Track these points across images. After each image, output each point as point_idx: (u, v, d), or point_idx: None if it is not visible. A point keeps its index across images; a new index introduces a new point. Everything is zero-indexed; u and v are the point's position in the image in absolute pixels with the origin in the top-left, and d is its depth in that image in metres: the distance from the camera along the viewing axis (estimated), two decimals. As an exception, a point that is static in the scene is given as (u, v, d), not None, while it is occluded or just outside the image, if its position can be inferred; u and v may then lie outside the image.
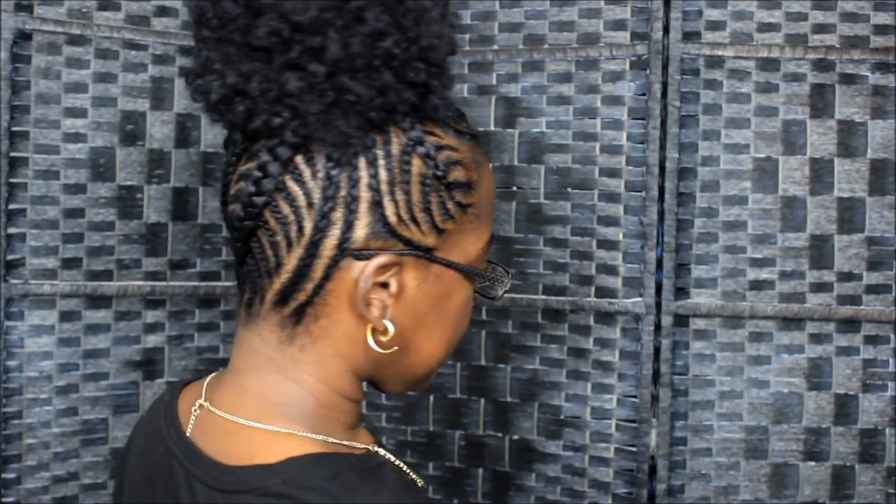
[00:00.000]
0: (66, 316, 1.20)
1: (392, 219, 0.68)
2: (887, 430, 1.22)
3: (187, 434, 0.72)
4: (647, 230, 1.23)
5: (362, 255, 0.68)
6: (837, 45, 1.21)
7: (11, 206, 1.17)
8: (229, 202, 0.70)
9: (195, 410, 0.73)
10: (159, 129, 1.23)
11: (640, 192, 1.23)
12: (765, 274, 1.23)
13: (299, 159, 0.67)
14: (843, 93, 1.22)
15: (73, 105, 1.19)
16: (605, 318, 1.25)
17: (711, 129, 1.23)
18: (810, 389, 1.23)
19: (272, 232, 0.68)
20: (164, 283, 1.24)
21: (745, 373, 1.23)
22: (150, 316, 1.23)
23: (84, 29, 1.19)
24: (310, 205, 0.67)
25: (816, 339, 1.23)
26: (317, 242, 0.68)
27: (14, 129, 1.16)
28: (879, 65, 1.21)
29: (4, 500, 1.17)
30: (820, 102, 1.22)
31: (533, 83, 1.26)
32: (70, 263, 1.20)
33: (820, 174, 1.22)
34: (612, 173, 1.25)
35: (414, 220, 0.69)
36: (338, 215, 0.67)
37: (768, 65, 1.22)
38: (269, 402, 0.70)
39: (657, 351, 1.24)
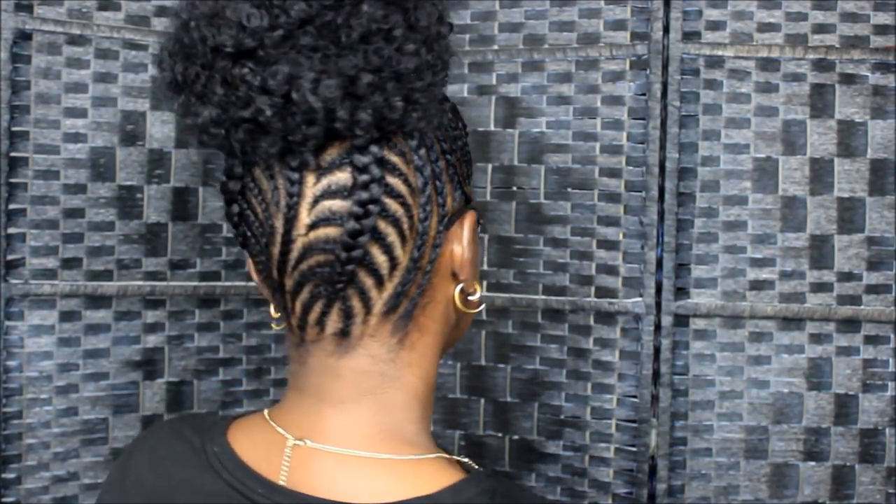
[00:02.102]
0: (66, 316, 1.20)
1: (461, 178, 0.68)
2: (887, 430, 1.22)
3: (282, 483, 0.65)
4: (647, 230, 1.23)
5: (453, 221, 0.67)
6: (837, 45, 1.21)
7: (11, 206, 1.17)
8: (311, 229, 0.64)
9: (287, 453, 0.66)
10: (159, 129, 1.23)
11: (640, 192, 1.23)
12: (765, 274, 1.23)
13: (387, 151, 0.65)
14: (843, 93, 1.22)
15: (73, 105, 1.19)
16: (605, 318, 1.25)
17: (711, 129, 1.23)
18: (810, 389, 1.23)
19: (384, 235, 0.65)
20: (164, 283, 1.24)
21: (745, 373, 1.23)
22: (150, 316, 1.24)
23: (84, 29, 1.19)
24: (412, 191, 0.65)
25: (816, 339, 1.23)
26: (426, 227, 0.66)
27: (14, 129, 1.17)
28: (879, 65, 1.21)
29: (4, 500, 1.17)
30: (820, 102, 1.22)
31: (533, 83, 1.26)
32: (70, 263, 1.20)
33: (820, 174, 1.22)
34: (612, 173, 1.25)
35: (468, 174, 0.70)
36: (432, 191, 0.66)
37: (768, 65, 1.22)
38: (389, 427, 0.66)
39: (657, 351, 1.24)
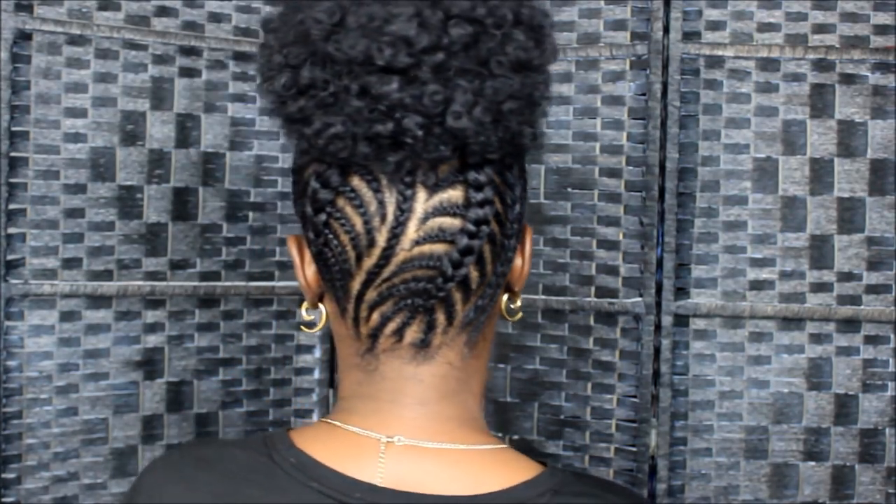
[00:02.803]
0: (66, 316, 1.20)
1: (525, 192, 0.71)
2: (887, 430, 1.22)
3: (379, 483, 0.65)
4: (647, 230, 1.23)
5: (519, 231, 0.69)
6: (837, 45, 1.21)
7: (11, 206, 1.17)
8: (416, 245, 0.64)
9: (381, 452, 0.66)
10: (159, 129, 1.23)
11: (640, 192, 1.23)
12: (765, 274, 1.23)
13: (494, 170, 0.66)
14: (843, 93, 1.22)
15: (73, 105, 1.19)
16: (606, 318, 1.25)
17: (711, 129, 1.23)
18: (810, 389, 1.23)
19: (482, 252, 0.66)
20: (164, 283, 1.24)
21: (745, 373, 1.23)
22: (150, 316, 1.24)
23: (84, 29, 1.19)
24: (506, 210, 0.67)
25: (816, 339, 1.23)
26: (512, 240, 0.68)
27: (14, 129, 1.16)
28: (879, 65, 1.21)
29: (4, 500, 1.17)
30: (820, 102, 1.22)
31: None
32: (70, 263, 1.20)
33: (820, 174, 1.22)
34: (612, 173, 1.25)
35: (527, 187, 0.73)
36: (519, 207, 0.68)
37: (768, 65, 1.22)
38: (467, 421, 0.68)
39: (657, 351, 1.24)
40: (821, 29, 1.22)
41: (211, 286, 1.26)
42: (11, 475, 1.17)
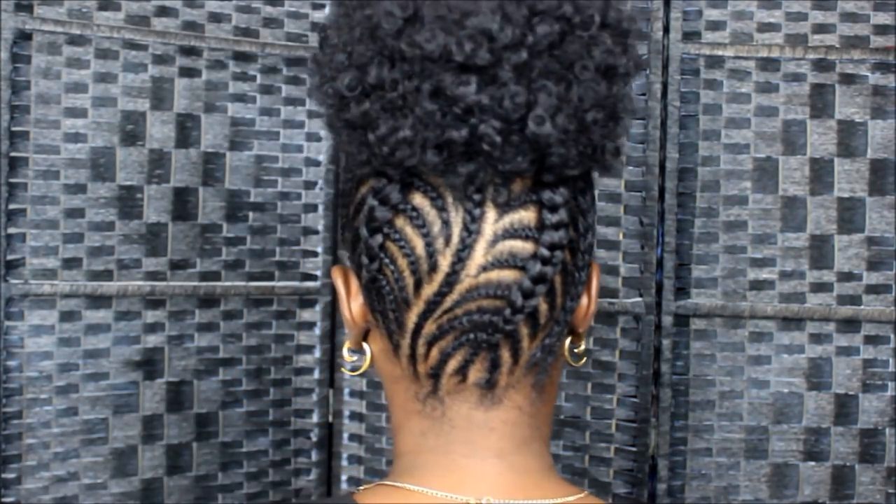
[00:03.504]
0: (66, 316, 1.20)
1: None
2: (887, 430, 1.22)
3: None
4: (647, 230, 1.23)
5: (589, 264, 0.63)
6: (837, 45, 1.21)
7: (11, 206, 1.17)
8: (483, 271, 0.59)
9: None
10: (159, 129, 1.23)
11: (640, 192, 1.23)
12: (765, 274, 1.23)
13: (570, 191, 0.61)
14: (843, 93, 1.22)
15: (73, 105, 1.19)
16: (606, 318, 1.25)
17: (711, 129, 1.23)
18: (810, 389, 1.23)
19: (554, 282, 0.60)
20: (164, 283, 1.24)
21: (745, 373, 1.23)
22: (150, 316, 1.23)
23: (84, 29, 1.19)
24: (578, 237, 0.61)
25: (816, 339, 1.23)
26: (582, 277, 0.62)
27: (14, 129, 1.16)
28: (879, 65, 1.21)
29: (4, 500, 1.17)
30: (820, 102, 1.22)
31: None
32: (70, 263, 1.20)
33: (820, 174, 1.22)
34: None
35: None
36: (590, 237, 0.62)
37: (768, 65, 1.22)
38: (548, 473, 0.63)
39: (657, 351, 1.24)
40: (821, 29, 1.22)
41: (211, 286, 1.26)
42: (11, 475, 1.17)
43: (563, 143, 0.58)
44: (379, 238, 0.61)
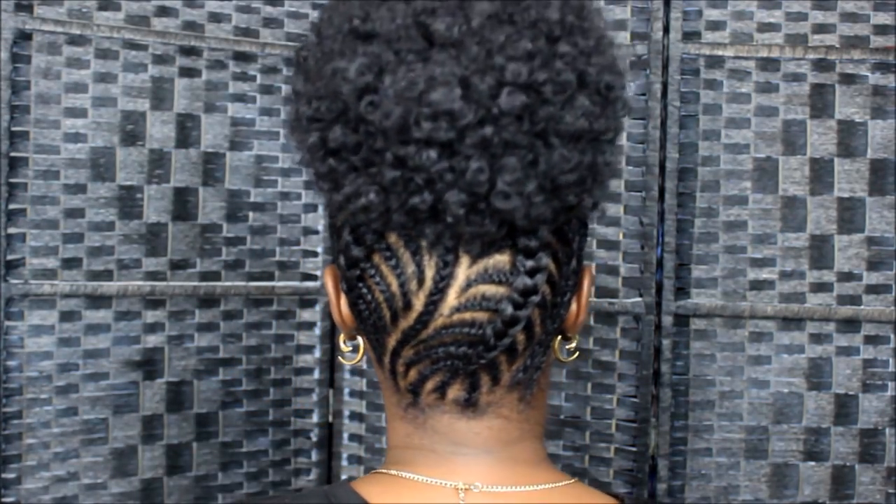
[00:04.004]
0: (66, 316, 1.20)
1: (584, 234, 0.65)
2: (887, 430, 1.22)
3: None
4: (647, 230, 1.23)
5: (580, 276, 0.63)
6: (837, 45, 1.21)
7: (11, 206, 1.17)
8: (456, 312, 0.59)
9: (462, 500, 0.61)
10: (159, 129, 1.23)
11: (640, 192, 1.23)
12: (765, 274, 1.23)
13: (548, 234, 0.60)
14: (843, 93, 1.22)
15: (73, 105, 1.19)
16: (606, 318, 1.25)
17: (711, 129, 1.23)
18: (810, 389, 1.23)
19: (530, 317, 0.60)
20: (164, 283, 1.24)
21: (745, 373, 1.23)
22: (150, 316, 1.23)
23: (84, 29, 1.19)
24: (559, 267, 0.61)
25: (816, 339, 1.23)
26: (564, 302, 0.62)
27: (14, 129, 1.16)
28: (879, 65, 1.21)
29: (4, 500, 1.17)
30: (820, 102, 1.22)
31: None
32: (70, 263, 1.20)
33: (820, 174, 1.22)
34: (612, 173, 1.24)
35: (587, 227, 0.68)
36: (575, 263, 0.62)
37: (768, 65, 1.22)
38: (537, 462, 0.64)
39: (657, 351, 1.24)
40: (821, 29, 1.22)
41: (211, 286, 1.26)
42: (11, 475, 1.17)
43: (528, 212, 0.57)
44: (356, 271, 0.62)
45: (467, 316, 0.59)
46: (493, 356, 0.60)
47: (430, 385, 0.62)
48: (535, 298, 0.59)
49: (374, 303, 0.62)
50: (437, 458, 0.63)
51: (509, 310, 0.59)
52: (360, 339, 0.67)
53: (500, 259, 0.59)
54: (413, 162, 0.56)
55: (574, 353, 0.67)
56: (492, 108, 0.55)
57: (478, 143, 0.55)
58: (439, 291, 0.59)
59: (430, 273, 0.59)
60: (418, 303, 0.60)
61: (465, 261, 0.59)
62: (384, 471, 0.65)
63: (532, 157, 0.56)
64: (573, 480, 0.65)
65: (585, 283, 0.65)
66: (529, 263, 0.59)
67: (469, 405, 0.62)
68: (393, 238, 0.60)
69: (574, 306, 0.65)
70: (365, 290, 0.62)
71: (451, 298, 0.59)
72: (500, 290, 0.59)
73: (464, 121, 0.55)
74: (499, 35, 0.56)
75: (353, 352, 0.67)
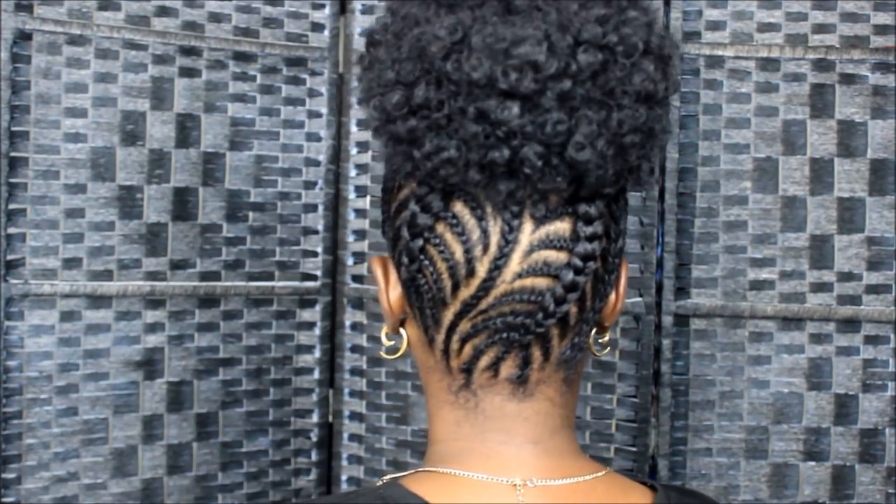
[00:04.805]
0: (66, 316, 1.20)
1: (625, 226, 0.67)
2: (887, 430, 1.22)
3: None
4: (648, 230, 1.23)
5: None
6: (837, 45, 1.21)
7: (11, 206, 1.17)
8: (518, 278, 0.62)
9: (520, 497, 0.63)
10: (159, 129, 1.23)
11: (640, 192, 1.23)
12: (765, 274, 1.23)
13: (604, 203, 0.63)
14: (843, 93, 1.22)
15: (73, 105, 1.19)
16: (605, 318, 1.25)
17: (711, 129, 1.23)
18: (810, 389, 1.23)
19: (585, 287, 0.63)
20: (164, 283, 1.24)
21: (745, 373, 1.23)
22: (150, 316, 1.23)
23: (84, 29, 1.19)
24: (609, 243, 0.64)
25: (816, 339, 1.23)
26: (610, 280, 0.65)
27: (14, 129, 1.16)
28: (879, 65, 1.21)
29: (4, 500, 1.17)
30: (820, 102, 1.22)
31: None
32: (70, 263, 1.20)
33: (820, 174, 1.22)
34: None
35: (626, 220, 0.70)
36: (621, 243, 0.65)
37: (768, 65, 1.22)
38: (577, 454, 0.67)
39: (657, 351, 1.24)
40: (821, 29, 1.22)
41: (211, 286, 1.26)
42: (11, 475, 1.17)
43: (600, 165, 0.60)
44: (420, 242, 0.64)
45: (528, 282, 0.62)
46: (550, 325, 0.63)
47: (483, 362, 0.64)
48: (594, 265, 0.62)
49: (435, 274, 0.64)
50: (487, 450, 0.65)
51: (570, 276, 0.61)
52: (403, 332, 0.69)
53: (561, 226, 0.62)
54: (495, 115, 0.59)
55: (606, 347, 0.70)
56: (571, 64, 0.59)
57: (558, 95, 0.59)
58: (504, 256, 0.61)
59: (494, 238, 0.62)
60: (482, 268, 0.62)
61: (528, 227, 0.62)
62: (432, 468, 0.65)
63: (605, 113, 0.60)
64: (608, 470, 0.68)
65: (623, 273, 0.68)
66: (589, 230, 0.62)
67: (521, 382, 0.64)
68: (458, 206, 0.63)
69: (612, 295, 0.68)
70: (426, 262, 0.64)
71: (515, 263, 0.62)
72: (561, 256, 0.62)
73: (547, 72, 0.58)
74: (573, 2, 0.61)
75: (391, 348, 0.69)
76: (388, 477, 0.66)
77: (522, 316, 0.62)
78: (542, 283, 0.62)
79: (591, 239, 0.62)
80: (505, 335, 0.63)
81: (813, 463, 1.23)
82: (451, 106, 0.60)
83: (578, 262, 0.62)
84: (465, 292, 0.63)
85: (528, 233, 0.62)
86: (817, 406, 1.23)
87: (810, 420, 1.23)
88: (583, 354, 0.67)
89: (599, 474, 0.66)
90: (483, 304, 0.63)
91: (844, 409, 1.22)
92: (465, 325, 0.64)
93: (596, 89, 0.60)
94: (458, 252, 0.63)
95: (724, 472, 1.24)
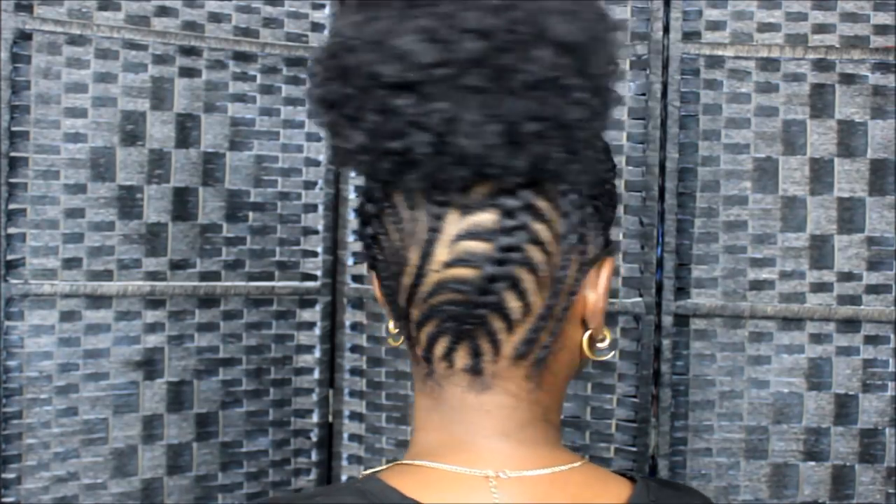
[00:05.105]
0: (66, 316, 1.20)
1: (606, 223, 0.66)
2: (887, 430, 1.22)
3: None
4: (647, 230, 1.23)
5: (591, 268, 0.66)
6: (837, 45, 1.21)
7: (11, 206, 1.17)
8: (447, 267, 0.63)
9: (494, 490, 0.63)
10: (159, 129, 1.23)
11: (640, 192, 1.23)
12: (765, 274, 1.23)
13: (535, 195, 0.63)
14: (843, 93, 1.22)
15: (73, 105, 1.19)
16: (606, 317, 1.25)
17: (711, 129, 1.23)
18: (810, 389, 1.23)
19: (520, 280, 0.63)
20: (164, 283, 1.24)
21: (745, 373, 1.23)
22: (150, 316, 1.24)
23: (84, 29, 1.19)
24: (555, 237, 0.63)
25: (816, 339, 1.23)
26: (564, 274, 0.64)
27: (14, 129, 1.17)
28: (879, 65, 1.21)
29: (4, 500, 1.17)
30: (820, 102, 1.22)
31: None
32: (70, 263, 1.20)
33: (820, 174, 1.22)
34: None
35: (611, 217, 0.67)
36: (576, 238, 0.64)
37: (768, 65, 1.22)
38: (556, 444, 0.67)
39: (657, 351, 1.24)
40: (821, 29, 1.22)
41: (211, 286, 1.26)
42: (11, 475, 1.17)
43: (492, 155, 0.61)
44: (370, 230, 0.67)
45: (456, 272, 0.63)
46: (483, 315, 0.63)
47: (438, 350, 0.65)
48: (517, 256, 0.62)
49: (384, 261, 0.66)
50: (458, 442, 0.66)
51: (489, 267, 0.62)
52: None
53: (486, 217, 0.62)
54: (389, 105, 0.61)
55: (606, 350, 0.69)
56: (454, 53, 0.60)
57: (440, 84, 0.60)
58: (429, 244, 0.63)
59: (422, 227, 0.64)
60: (414, 257, 0.64)
61: (453, 216, 0.63)
62: (410, 462, 0.67)
63: (494, 101, 0.60)
64: (584, 461, 0.68)
65: (604, 271, 0.67)
66: (510, 222, 0.62)
67: (476, 374, 0.65)
68: (396, 196, 0.65)
69: (591, 295, 0.67)
70: (377, 250, 0.67)
71: (441, 253, 0.63)
72: (483, 247, 0.62)
73: (424, 61, 0.60)
74: None
75: (397, 335, 0.71)
76: (368, 471, 0.67)
77: (454, 305, 0.63)
78: (466, 273, 0.63)
79: (511, 231, 0.62)
80: (448, 324, 0.64)
81: (813, 463, 1.23)
82: (359, 100, 0.62)
83: (498, 255, 0.62)
84: (407, 280, 0.65)
85: (453, 223, 0.63)
86: (817, 406, 1.23)
87: (810, 420, 1.23)
88: (551, 354, 0.66)
89: (576, 465, 0.66)
90: (422, 292, 0.64)
91: (844, 409, 1.22)
92: (415, 313, 0.65)
93: (483, 77, 0.60)
94: (396, 240, 0.65)
95: (724, 472, 1.24)
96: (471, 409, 0.66)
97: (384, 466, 0.67)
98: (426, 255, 0.63)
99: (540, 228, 0.63)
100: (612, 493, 0.66)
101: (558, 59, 0.61)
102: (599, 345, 0.68)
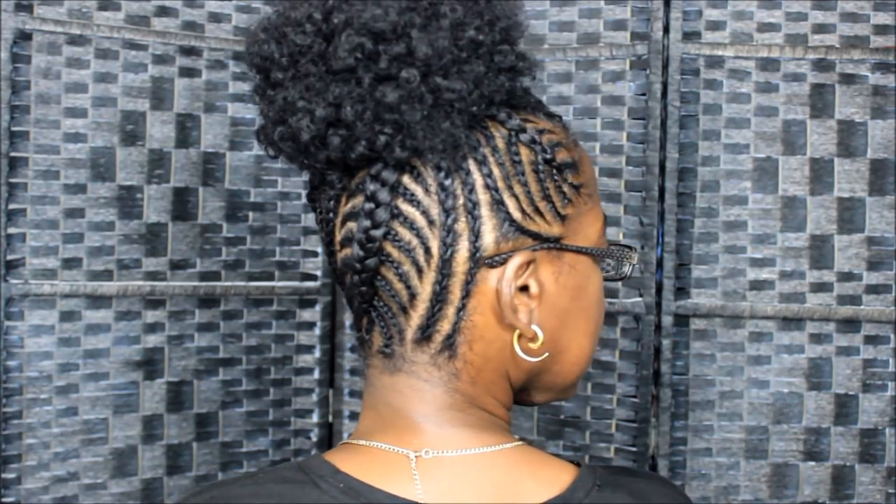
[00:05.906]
0: (66, 316, 1.20)
1: (516, 215, 0.65)
2: (887, 430, 1.22)
3: (420, 500, 0.63)
4: (647, 230, 1.23)
5: (496, 261, 0.64)
6: (837, 45, 1.21)
7: (11, 206, 1.17)
8: (340, 248, 0.66)
9: (413, 468, 0.65)
10: (159, 129, 1.23)
11: (640, 192, 1.23)
12: (765, 274, 1.23)
13: (407, 179, 0.64)
14: (843, 93, 1.22)
15: (73, 105, 1.19)
16: (606, 318, 1.25)
17: (711, 129, 1.23)
18: (810, 389, 1.23)
19: (398, 263, 0.64)
20: (164, 283, 1.24)
21: (745, 373, 1.23)
22: (150, 316, 1.24)
23: (84, 29, 1.19)
24: (431, 223, 0.64)
25: (816, 339, 1.23)
26: (448, 260, 0.64)
27: (14, 129, 1.17)
28: (879, 65, 1.21)
29: (4, 500, 1.17)
30: (820, 102, 1.22)
31: (533, 83, 1.26)
32: (70, 263, 1.20)
33: (820, 174, 1.22)
34: (613, 173, 1.25)
35: (538, 211, 0.66)
36: (462, 225, 0.64)
37: (768, 65, 1.22)
38: (483, 426, 0.67)
39: (657, 351, 1.24)
40: (821, 29, 1.22)
41: (211, 286, 1.26)
42: (11, 475, 1.17)
43: (326, 138, 0.64)
44: (314, 214, 0.72)
45: (346, 252, 0.66)
46: (364, 293, 0.66)
47: (362, 330, 0.69)
48: (377, 233, 0.64)
49: (324, 242, 0.71)
50: (384, 423, 0.68)
51: (354, 249, 0.65)
52: None
53: (356, 201, 0.66)
54: (267, 96, 0.67)
55: (537, 352, 0.67)
56: (285, 44, 0.65)
57: (281, 70, 0.65)
58: (329, 223, 0.67)
59: (325, 209, 0.68)
60: (325, 235, 0.68)
61: (343, 199, 0.66)
62: (350, 441, 0.70)
63: (321, 86, 0.64)
64: (521, 443, 0.69)
65: (510, 264, 0.65)
66: (367, 205, 0.65)
67: (387, 356, 0.67)
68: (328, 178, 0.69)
69: (506, 289, 0.65)
70: (322, 233, 0.71)
71: (336, 233, 0.67)
72: (354, 227, 0.65)
73: (268, 52, 0.65)
74: None
75: None
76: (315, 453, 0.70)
77: (353, 286, 0.67)
78: (349, 252, 0.66)
79: (369, 213, 0.64)
80: (356, 304, 0.68)
81: (813, 463, 1.23)
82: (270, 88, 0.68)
83: (360, 235, 0.65)
84: (330, 257, 0.69)
85: (342, 205, 0.66)
86: (817, 406, 1.23)
87: (810, 420, 1.23)
88: (463, 344, 0.66)
89: (507, 446, 0.67)
90: (338, 270, 0.68)
91: (844, 409, 1.22)
92: (343, 290, 0.69)
93: (312, 64, 0.64)
94: (320, 218, 0.70)
95: (724, 472, 1.24)
96: (387, 389, 0.68)
97: (335, 447, 0.71)
98: (330, 235, 0.67)
99: (410, 211, 0.64)
100: (544, 477, 0.66)
101: (372, 43, 0.63)
102: (532, 345, 0.66)
